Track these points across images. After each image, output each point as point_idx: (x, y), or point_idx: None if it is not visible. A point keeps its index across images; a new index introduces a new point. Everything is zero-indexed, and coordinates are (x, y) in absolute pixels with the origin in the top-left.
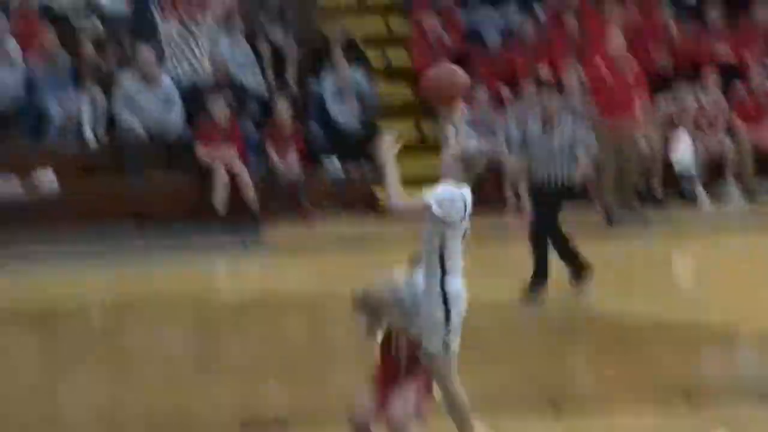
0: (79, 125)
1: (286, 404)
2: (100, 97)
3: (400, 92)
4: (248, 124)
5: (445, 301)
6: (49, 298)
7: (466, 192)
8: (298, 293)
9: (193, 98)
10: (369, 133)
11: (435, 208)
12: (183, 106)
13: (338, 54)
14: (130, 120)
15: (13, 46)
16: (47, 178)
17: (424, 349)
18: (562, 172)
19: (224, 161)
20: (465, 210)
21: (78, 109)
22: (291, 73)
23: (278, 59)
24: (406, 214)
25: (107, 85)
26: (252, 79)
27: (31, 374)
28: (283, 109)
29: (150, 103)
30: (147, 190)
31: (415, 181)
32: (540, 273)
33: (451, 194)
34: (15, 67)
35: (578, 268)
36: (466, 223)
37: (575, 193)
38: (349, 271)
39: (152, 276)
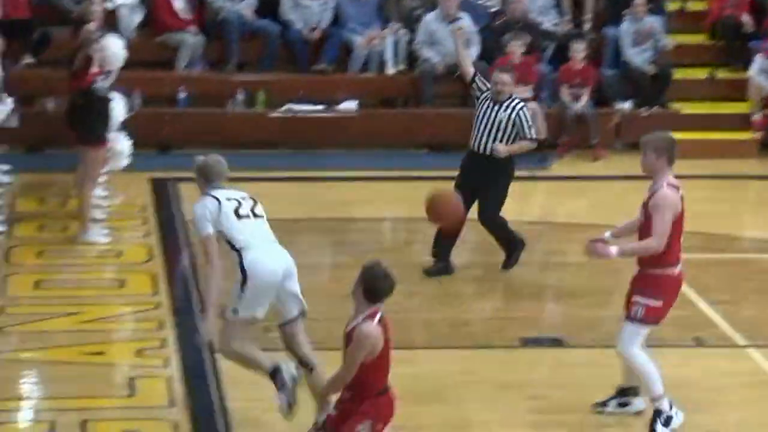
0: (381, 58)
1: (563, 325)
2: (402, 32)
3: (695, 40)
4: (543, 65)
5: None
6: (345, 210)
7: None
8: (580, 221)
9: (492, 37)
10: (663, 79)
11: None
12: (480, 44)
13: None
14: (429, 55)
15: None
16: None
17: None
18: None
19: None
20: None
21: (381, 43)
22: (589, 18)
23: (577, 3)
24: None
25: (410, 21)
26: (549, 21)
27: (325, 274)
28: (578, 51)
29: (449, 40)
30: (440, 122)
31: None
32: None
33: None
34: None
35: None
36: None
37: None
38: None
39: None
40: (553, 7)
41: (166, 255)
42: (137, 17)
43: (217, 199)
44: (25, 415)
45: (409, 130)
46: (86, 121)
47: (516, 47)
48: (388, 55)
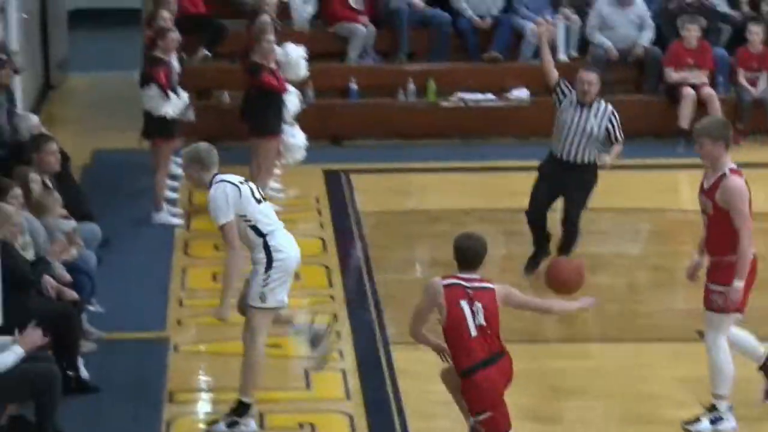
0: (553, 44)
1: (743, 317)
2: (574, 17)
3: None
4: (719, 49)
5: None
6: (516, 200)
7: None
8: (762, 210)
9: (666, 21)
10: None
11: None
12: (654, 29)
13: None
14: (602, 40)
15: None
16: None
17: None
18: None
19: (693, 83)
20: None
21: (554, 30)
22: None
23: None
24: None
25: (582, 7)
26: (726, 4)
27: (495, 265)
28: (756, 34)
29: (623, 24)
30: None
31: None
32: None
33: None
34: None
35: None
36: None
37: None
38: None
39: (613, 185)
40: None
41: (339, 247)
42: (310, 9)
43: (234, 184)
44: (202, 406)
45: None
46: (259, 114)
47: (691, 31)
48: (560, 41)
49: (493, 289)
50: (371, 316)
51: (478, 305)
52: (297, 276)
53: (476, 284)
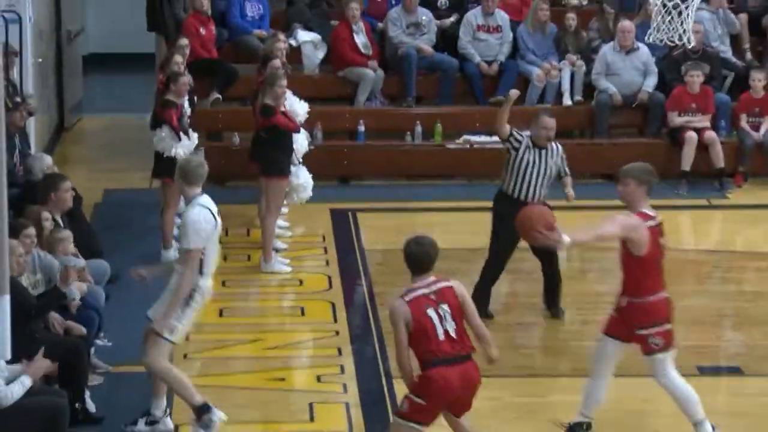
0: (559, 89)
1: (742, 354)
2: (579, 63)
3: None
4: (721, 94)
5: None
6: None
7: None
8: (759, 249)
9: (669, 67)
10: None
11: None
12: (658, 75)
13: None
14: (606, 85)
15: (502, 14)
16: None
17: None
18: None
19: (695, 127)
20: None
21: (558, 75)
22: None
23: (756, 32)
24: None
25: (587, 53)
26: (730, 52)
27: (499, 301)
28: (758, 80)
29: (627, 70)
30: (617, 152)
31: None
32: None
33: None
34: (504, 33)
35: None
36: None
37: None
38: None
39: None
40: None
41: (344, 283)
42: (321, 53)
43: (214, 217)
44: None
45: (585, 161)
46: (269, 154)
47: (694, 77)
48: (565, 86)
49: (451, 286)
50: (374, 350)
51: (444, 307)
52: (302, 311)
53: (435, 286)
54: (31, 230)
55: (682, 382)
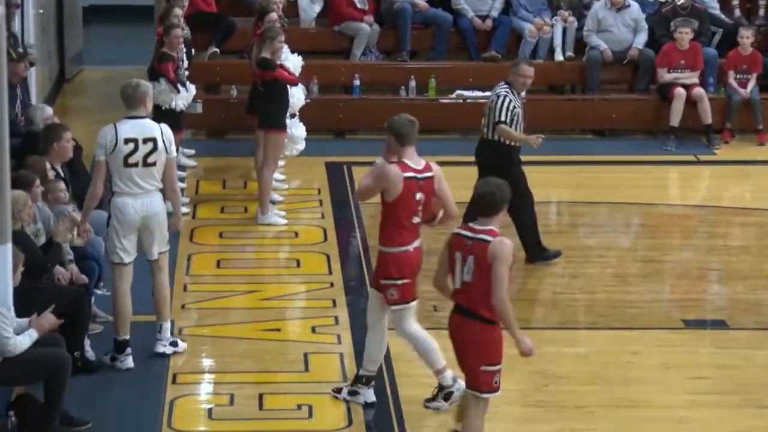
0: (550, 45)
1: (727, 307)
2: (571, 19)
3: None
4: (709, 50)
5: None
6: None
7: None
8: (745, 205)
9: (659, 24)
10: None
11: None
12: (648, 31)
13: None
14: (597, 42)
15: None
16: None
17: None
18: None
19: (684, 83)
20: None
21: (550, 30)
22: (764, 4)
23: None
24: None
25: (578, 9)
26: (717, 6)
27: None
28: (746, 38)
29: (618, 27)
30: (607, 107)
31: None
32: None
33: None
34: None
35: None
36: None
37: None
38: None
39: (605, 180)
40: None
41: (339, 236)
42: (317, 8)
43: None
44: (205, 388)
45: (575, 117)
46: (268, 108)
47: (683, 34)
48: (557, 42)
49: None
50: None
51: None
52: (297, 263)
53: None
54: (38, 182)
55: (423, 334)
